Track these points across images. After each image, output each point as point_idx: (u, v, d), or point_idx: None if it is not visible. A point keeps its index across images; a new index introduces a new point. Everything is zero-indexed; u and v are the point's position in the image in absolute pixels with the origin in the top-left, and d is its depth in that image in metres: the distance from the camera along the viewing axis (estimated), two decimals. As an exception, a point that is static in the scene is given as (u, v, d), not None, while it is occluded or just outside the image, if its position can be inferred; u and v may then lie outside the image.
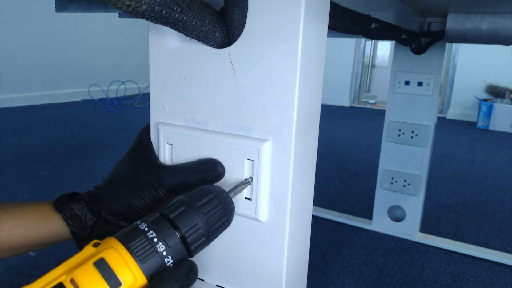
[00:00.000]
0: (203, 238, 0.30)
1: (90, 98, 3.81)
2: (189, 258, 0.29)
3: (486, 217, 1.48)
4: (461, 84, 3.80)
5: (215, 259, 0.39)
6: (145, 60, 4.35)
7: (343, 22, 0.49)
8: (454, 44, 3.75)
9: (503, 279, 1.08)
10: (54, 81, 3.58)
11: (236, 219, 0.37)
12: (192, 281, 0.28)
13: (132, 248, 0.27)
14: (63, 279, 0.25)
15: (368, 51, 4.80)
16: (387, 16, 0.73)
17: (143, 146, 0.40)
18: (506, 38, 0.89)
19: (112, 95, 3.89)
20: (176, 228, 0.29)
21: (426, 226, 1.36)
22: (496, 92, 3.62)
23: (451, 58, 3.83)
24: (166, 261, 0.28)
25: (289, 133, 0.33)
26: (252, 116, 0.34)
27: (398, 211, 1.28)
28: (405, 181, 1.25)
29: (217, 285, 0.40)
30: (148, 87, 2.42)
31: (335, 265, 1.10)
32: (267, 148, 0.34)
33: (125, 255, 0.26)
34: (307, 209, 0.39)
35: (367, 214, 1.39)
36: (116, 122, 2.92)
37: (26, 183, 1.59)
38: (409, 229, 1.27)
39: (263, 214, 0.35)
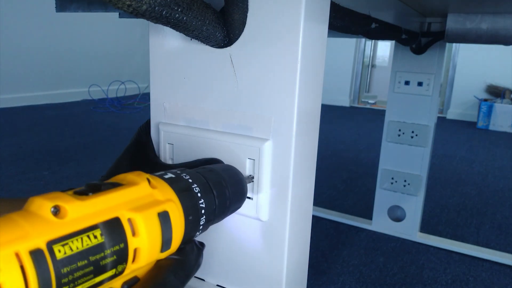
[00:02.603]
0: (226, 211, 0.30)
1: (90, 98, 3.81)
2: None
3: (486, 217, 1.48)
4: (461, 84, 3.80)
5: (216, 259, 0.39)
6: (145, 60, 4.35)
7: (343, 22, 0.49)
8: (454, 44, 3.75)
9: (503, 279, 1.08)
10: (54, 81, 3.58)
11: (236, 219, 0.37)
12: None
13: (188, 214, 0.26)
14: (120, 214, 0.22)
15: (368, 51, 4.81)
16: (387, 16, 0.73)
17: (143, 143, 0.40)
18: (506, 38, 0.89)
19: (112, 95, 3.89)
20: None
21: (426, 226, 1.36)
22: (496, 92, 3.62)
23: (451, 58, 3.83)
24: (197, 234, 0.28)
25: (290, 133, 0.33)
26: (253, 115, 0.34)
27: (398, 211, 1.28)
28: (405, 181, 1.25)
29: (217, 285, 0.40)
30: (148, 87, 2.42)
31: (335, 265, 1.10)
32: (268, 148, 0.34)
33: (182, 219, 0.25)
34: (307, 209, 0.39)
35: (367, 214, 1.39)
36: (116, 122, 2.92)
37: (26, 183, 1.59)
38: (409, 229, 1.27)
39: (264, 213, 0.35)
